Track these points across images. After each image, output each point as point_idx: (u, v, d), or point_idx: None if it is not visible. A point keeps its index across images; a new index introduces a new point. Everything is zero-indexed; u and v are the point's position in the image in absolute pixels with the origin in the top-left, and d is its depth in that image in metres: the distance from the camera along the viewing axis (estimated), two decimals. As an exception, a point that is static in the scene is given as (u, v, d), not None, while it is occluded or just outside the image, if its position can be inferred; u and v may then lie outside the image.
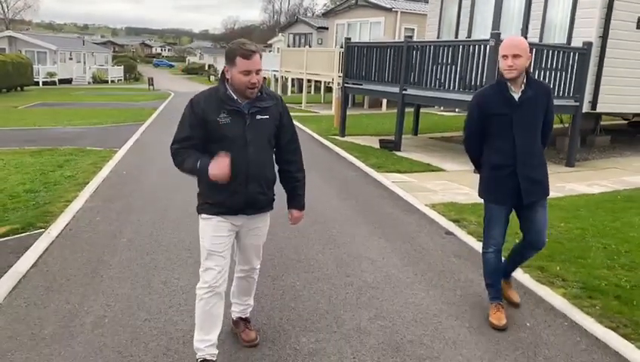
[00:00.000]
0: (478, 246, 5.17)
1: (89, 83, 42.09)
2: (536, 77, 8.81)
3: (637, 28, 9.90)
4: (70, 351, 3.19)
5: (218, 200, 2.90)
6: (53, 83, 37.64)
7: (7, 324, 3.49)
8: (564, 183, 8.05)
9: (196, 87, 39.51)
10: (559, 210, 6.40)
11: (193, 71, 66.09)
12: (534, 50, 8.93)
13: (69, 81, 40.40)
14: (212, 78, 50.98)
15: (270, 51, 40.99)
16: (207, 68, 63.68)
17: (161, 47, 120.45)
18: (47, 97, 26.29)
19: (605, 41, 9.67)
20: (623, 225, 5.97)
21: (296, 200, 3.18)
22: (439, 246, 5.19)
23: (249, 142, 2.84)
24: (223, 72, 2.84)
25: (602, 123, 12.35)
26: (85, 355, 3.15)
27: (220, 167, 2.71)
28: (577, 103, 9.34)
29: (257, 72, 2.76)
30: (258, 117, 2.86)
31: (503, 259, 3.78)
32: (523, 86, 3.45)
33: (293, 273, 4.44)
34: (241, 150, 2.81)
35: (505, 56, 3.35)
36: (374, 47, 11.66)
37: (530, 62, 3.53)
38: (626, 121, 14.91)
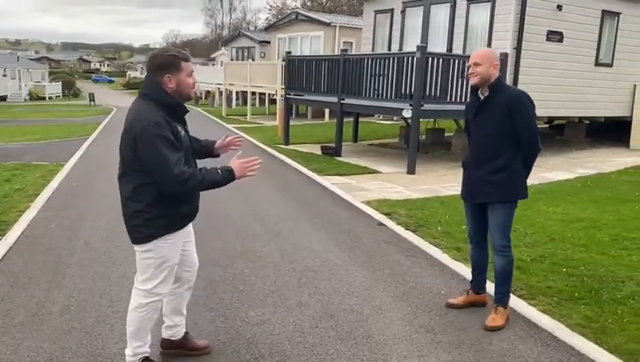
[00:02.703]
0: (405, 234, 5.89)
1: (25, 100, 40.92)
2: (459, 85, 9.82)
3: (546, 40, 11.07)
4: (41, 334, 3.57)
5: (187, 211, 2.97)
6: (-13, 100, 36.47)
7: (-21, 316, 3.82)
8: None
9: (139, 101, 39.10)
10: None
11: (135, 86, 65.00)
12: (458, 61, 9.89)
13: (3, 98, 39.17)
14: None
15: (214, 65, 41.19)
16: (149, 82, 62.67)
17: (99, 62, 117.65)
18: (-17, 115, 25.54)
19: (519, 52, 10.76)
20: (533, 212, 6.81)
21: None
22: (372, 236, 5.83)
23: (191, 146, 2.99)
24: (159, 84, 2.76)
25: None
26: (56, 336, 3.55)
27: (241, 164, 2.84)
28: (497, 108, 10.33)
29: None
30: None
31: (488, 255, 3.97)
32: (488, 92, 3.64)
33: (241, 263, 4.94)
34: (191, 154, 2.96)
35: (469, 65, 3.65)
36: (314, 60, 12.37)
37: (497, 71, 3.61)
38: (547, 125, 16.28)
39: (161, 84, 2.76)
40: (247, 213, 6.68)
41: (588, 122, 14.21)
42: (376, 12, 14.23)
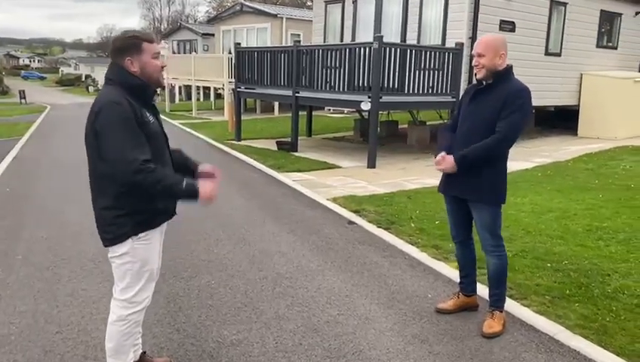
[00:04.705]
0: (378, 232, 5.57)
1: (-53, 98, 37.99)
2: (416, 76, 9.62)
3: (499, 30, 11.05)
4: (-24, 373, 3.01)
5: (162, 206, 2.63)
6: None
7: None
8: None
9: (74, 98, 37.20)
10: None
11: (69, 82, 62.05)
12: (413, 51, 9.69)
13: None
14: (91, 88, 48.19)
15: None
16: (84, 78, 60.11)
17: (29, 58, 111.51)
18: None
19: (474, 42, 10.66)
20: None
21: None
22: (343, 236, 5.48)
23: (166, 139, 2.68)
24: (122, 67, 2.50)
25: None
26: (-6, 374, 3.00)
27: (212, 189, 2.52)
28: (454, 99, 10.19)
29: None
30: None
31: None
32: (491, 80, 3.33)
33: (206, 273, 4.48)
34: (165, 148, 2.65)
35: (473, 56, 3.35)
36: (265, 52, 11.86)
37: (504, 61, 3.28)
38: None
39: (123, 68, 2.52)
40: (205, 215, 6.16)
41: (534, 111, 14.44)
42: (327, 2, 13.86)
